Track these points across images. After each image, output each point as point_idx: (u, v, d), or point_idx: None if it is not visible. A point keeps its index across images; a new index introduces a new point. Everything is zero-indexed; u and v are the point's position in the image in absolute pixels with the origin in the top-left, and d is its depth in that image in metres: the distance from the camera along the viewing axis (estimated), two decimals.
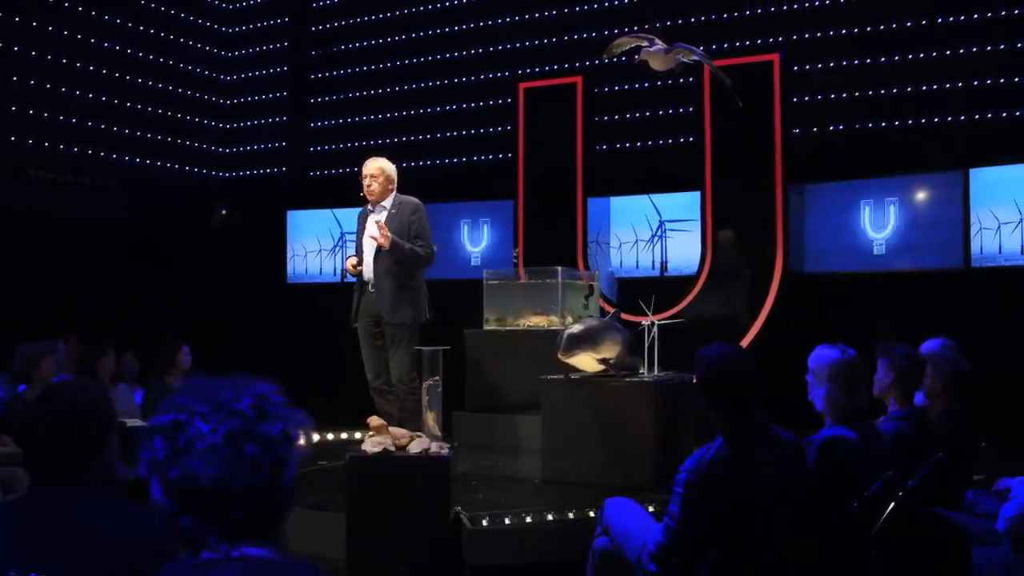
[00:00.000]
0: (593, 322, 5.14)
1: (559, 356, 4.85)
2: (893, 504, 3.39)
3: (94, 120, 9.88)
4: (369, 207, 5.89)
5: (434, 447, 3.87)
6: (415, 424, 4.83)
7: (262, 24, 11.43)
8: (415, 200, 5.85)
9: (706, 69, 7.92)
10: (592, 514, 4.42)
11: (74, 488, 2.29)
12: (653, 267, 9.42)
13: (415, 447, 3.86)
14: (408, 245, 5.64)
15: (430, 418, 4.20)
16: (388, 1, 10.79)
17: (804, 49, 8.58)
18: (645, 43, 5.59)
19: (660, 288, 8.90)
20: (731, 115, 8.27)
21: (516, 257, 8.84)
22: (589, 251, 9.13)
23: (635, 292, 8.18)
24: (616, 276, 9.41)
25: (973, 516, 3.91)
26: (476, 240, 10.03)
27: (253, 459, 1.39)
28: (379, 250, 5.78)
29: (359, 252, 5.91)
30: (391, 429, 3.93)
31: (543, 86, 9.34)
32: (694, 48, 5.59)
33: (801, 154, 8.22)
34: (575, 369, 5.11)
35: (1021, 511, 3.44)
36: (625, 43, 5.86)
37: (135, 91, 10.31)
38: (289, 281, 10.85)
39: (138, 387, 7.48)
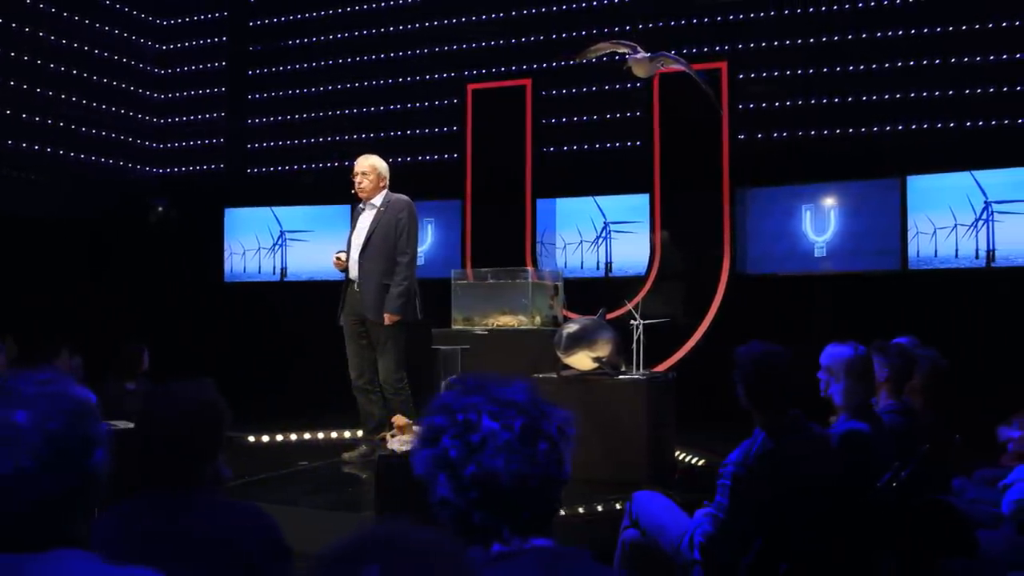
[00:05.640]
0: (586, 322, 5.26)
1: (559, 355, 4.96)
2: (894, 493, 3.61)
3: (28, 112, 9.53)
4: (360, 205, 5.89)
5: None
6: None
7: (199, 17, 11.19)
8: (405, 198, 5.85)
9: (656, 73, 8.14)
10: (600, 508, 4.56)
11: (193, 490, 2.29)
12: (598, 268, 9.60)
13: None
14: (395, 301, 5.67)
15: None
16: None
17: (749, 58, 8.90)
18: (626, 50, 5.73)
19: (605, 288, 9.12)
20: (679, 120, 8.55)
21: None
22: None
23: (580, 292, 8.37)
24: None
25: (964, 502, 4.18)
26: (420, 239, 10.02)
27: (544, 454, 1.46)
28: (364, 247, 5.79)
29: (349, 248, 5.90)
30: (414, 428, 3.97)
31: (492, 88, 9.45)
32: (678, 57, 5.77)
33: (744, 159, 8.52)
34: (566, 367, 5.22)
35: None
36: (604, 48, 6.00)
37: (68, 84, 9.98)
38: (226, 280, 10.66)
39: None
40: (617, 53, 5.95)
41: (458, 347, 4.48)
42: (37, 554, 1.39)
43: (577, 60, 6.33)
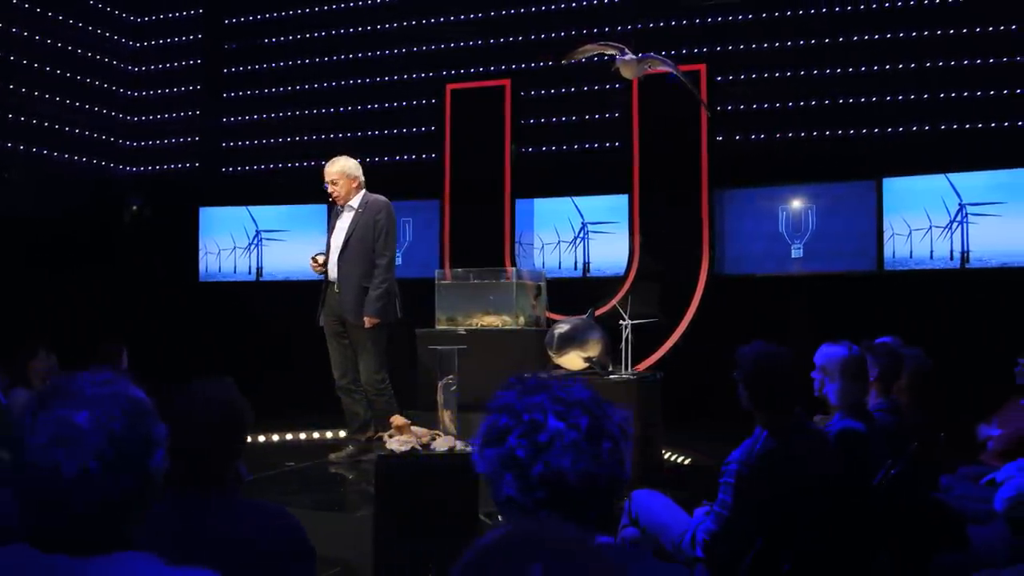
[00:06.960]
0: (577, 322, 5.29)
1: (551, 355, 4.98)
2: (885, 491, 3.68)
3: (1, 110, 9.38)
4: (339, 207, 5.88)
5: (459, 445, 3.93)
6: (386, 424, 4.86)
7: (174, 15, 11.08)
8: (383, 199, 5.86)
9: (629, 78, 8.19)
10: None
11: (216, 490, 2.29)
12: (575, 268, 9.64)
13: (440, 445, 3.91)
14: (374, 304, 5.67)
15: (446, 416, 4.25)
16: None
17: (728, 60, 8.98)
18: (614, 51, 5.76)
19: (583, 289, 9.16)
20: (658, 121, 8.60)
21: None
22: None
23: (558, 293, 8.40)
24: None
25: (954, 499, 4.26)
26: (399, 239, 10.00)
27: (609, 453, 1.47)
28: (343, 249, 5.78)
29: (328, 250, 5.90)
30: (412, 428, 3.98)
31: (471, 88, 9.44)
32: (666, 59, 5.81)
33: (723, 160, 8.58)
34: (556, 367, 5.24)
35: (1019, 493, 3.77)
36: (592, 49, 6.02)
37: (42, 81, 9.84)
38: (201, 279, 10.57)
39: None
40: (605, 54, 5.98)
41: (455, 347, 4.48)
42: (100, 557, 1.38)
43: (565, 61, 6.35)
